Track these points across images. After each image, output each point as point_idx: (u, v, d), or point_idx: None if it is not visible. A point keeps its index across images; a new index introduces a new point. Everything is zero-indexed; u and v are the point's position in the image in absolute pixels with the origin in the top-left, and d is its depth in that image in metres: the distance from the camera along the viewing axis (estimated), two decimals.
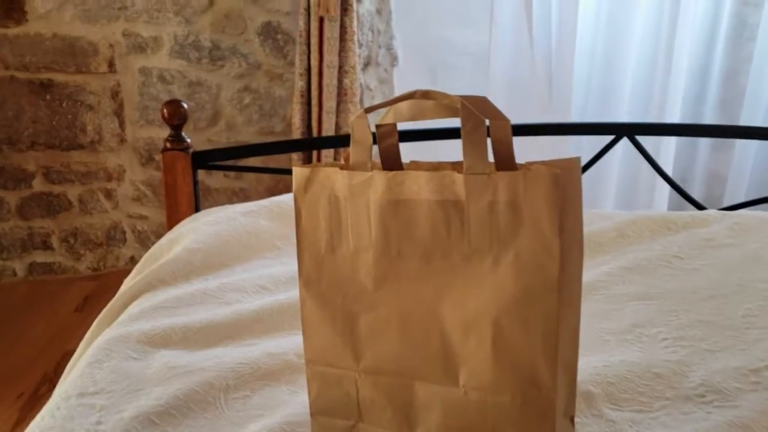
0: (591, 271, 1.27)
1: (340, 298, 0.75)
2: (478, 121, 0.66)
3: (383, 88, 2.79)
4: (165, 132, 1.88)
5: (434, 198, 0.69)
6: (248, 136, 2.81)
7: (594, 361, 0.97)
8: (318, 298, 0.76)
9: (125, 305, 1.18)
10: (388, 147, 0.76)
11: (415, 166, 0.76)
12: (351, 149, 0.73)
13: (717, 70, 2.68)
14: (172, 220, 1.60)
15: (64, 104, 2.73)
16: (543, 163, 0.67)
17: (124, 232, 2.94)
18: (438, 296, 0.70)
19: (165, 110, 1.60)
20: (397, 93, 2.33)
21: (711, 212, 1.53)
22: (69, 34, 2.66)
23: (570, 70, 2.61)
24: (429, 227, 0.69)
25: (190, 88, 2.75)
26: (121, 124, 2.79)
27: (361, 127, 0.72)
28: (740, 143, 2.65)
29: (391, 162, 0.76)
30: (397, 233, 0.71)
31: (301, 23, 2.45)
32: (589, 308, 1.11)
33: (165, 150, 1.62)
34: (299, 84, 2.50)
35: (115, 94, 2.75)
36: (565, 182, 0.65)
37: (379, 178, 0.71)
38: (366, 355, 0.75)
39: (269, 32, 2.71)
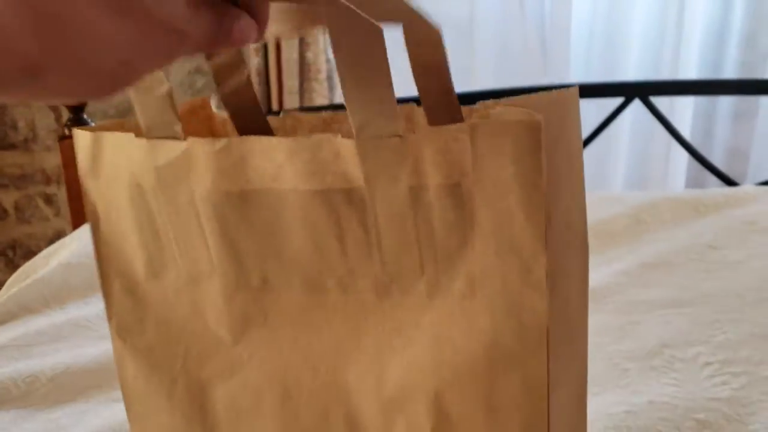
0: (600, 271, 1.03)
1: (180, 356, 0.44)
2: (369, 33, 0.33)
3: None
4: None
5: (307, 186, 0.37)
6: None
7: (609, 402, 0.71)
8: (143, 356, 0.45)
9: None
10: (234, 93, 0.44)
11: (293, 121, 0.45)
12: (133, 100, 0.40)
13: (735, 31, 2.46)
14: (78, 227, 1.30)
15: None
16: (510, 102, 0.35)
17: None
18: (339, 353, 0.40)
19: None
20: None
21: (747, 188, 1.33)
22: None
23: (567, 31, 2.38)
24: (307, 237, 0.39)
25: None
26: (58, 119, 2.52)
27: None
28: (764, 112, 2.43)
29: (247, 120, 0.44)
30: (254, 249, 0.40)
31: None
32: (597, 323, 0.86)
33: (63, 138, 1.30)
34: (255, 61, 2.25)
35: None
36: (553, 137, 0.35)
37: (203, 155, 0.38)
38: None
39: None
